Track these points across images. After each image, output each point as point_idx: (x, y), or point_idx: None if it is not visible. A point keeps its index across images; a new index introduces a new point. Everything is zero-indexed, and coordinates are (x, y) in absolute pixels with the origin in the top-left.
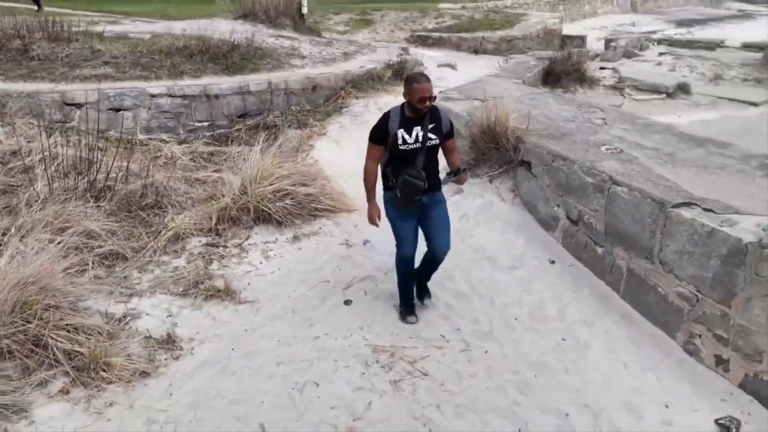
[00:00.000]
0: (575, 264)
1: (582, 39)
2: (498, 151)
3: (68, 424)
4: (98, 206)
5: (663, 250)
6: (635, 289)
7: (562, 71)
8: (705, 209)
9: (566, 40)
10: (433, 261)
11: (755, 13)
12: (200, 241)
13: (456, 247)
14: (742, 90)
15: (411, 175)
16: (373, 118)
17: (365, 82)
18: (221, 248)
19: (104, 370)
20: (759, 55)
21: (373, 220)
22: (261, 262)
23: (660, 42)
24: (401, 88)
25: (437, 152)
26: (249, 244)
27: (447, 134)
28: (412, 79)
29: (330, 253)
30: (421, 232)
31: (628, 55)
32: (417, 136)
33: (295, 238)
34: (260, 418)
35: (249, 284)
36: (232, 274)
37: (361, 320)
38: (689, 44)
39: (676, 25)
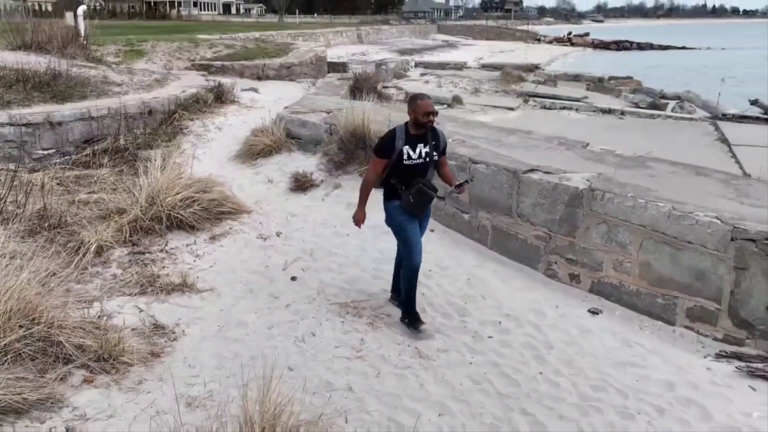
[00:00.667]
0: (447, 230)
1: (344, 65)
2: (364, 150)
3: (111, 402)
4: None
5: (519, 206)
6: (500, 239)
7: (364, 88)
8: (545, 172)
9: (331, 65)
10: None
11: (457, 43)
12: (123, 252)
13: (357, 229)
14: (498, 99)
15: (425, 185)
16: (217, 136)
17: (193, 105)
18: (147, 254)
19: (121, 357)
20: (496, 72)
21: (359, 222)
22: (195, 260)
23: (417, 65)
24: (225, 109)
25: (435, 166)
26: (171, 248)
27: (443, 150)
28: (416, 97)
29: (252, 246)
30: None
31: (398, 75)
32: (420, 152)
33: (213, 238)
34: (283, 363)
35: (198, 277)
36: (176, 272)
37: (314, 288)
38: (441, 66)
39: (399, 53)
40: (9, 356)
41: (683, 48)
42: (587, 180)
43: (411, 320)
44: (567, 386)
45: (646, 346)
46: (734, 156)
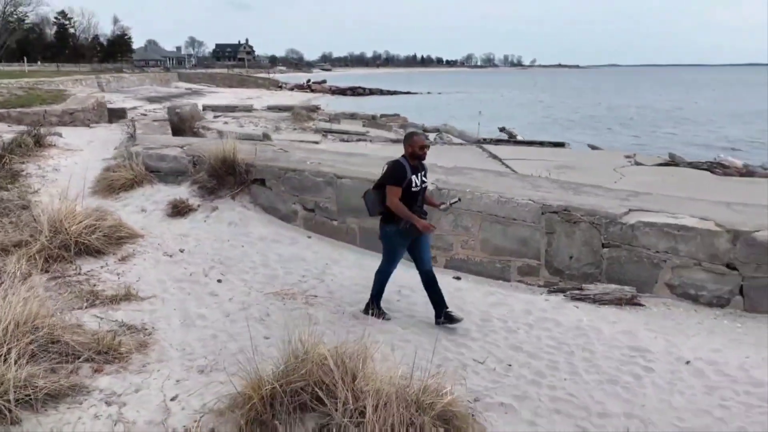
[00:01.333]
0: (320, 236)
1: (123, 110)
2: (233, 176)
3: (130, 382)
4: None
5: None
6: (368, 238)
7: (184, 128)
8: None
9: (111, 111)
10: (429, 277)
11: (202, 90)
12: (43, 278)
13: (248, 240)
14: (300, 134)
15: (421, 212)
16: (59, 177)
17: (16, 149)
18: (67, 278)
19: (119, 348)
20: (285, 113)
21: (428, 227)
22: (118, 277)
23: (205, 108)
24: (48, 152)
25: None
26: (87, 271)
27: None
28: (412, 134)
29: (164, 262)
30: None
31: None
32: (419, 180)
33: (122, 259)
34: (259, 335)
35: (134, 289)
36: (111, 287)
37: (242, 286)
38: (229, 109)
39: (148, 101)
40: (26, 356)
41: (408, 93)
42: (433, 183)
43: (377, 312)
44: (466, 322)
45: (503, 293)
46: (507, 166)
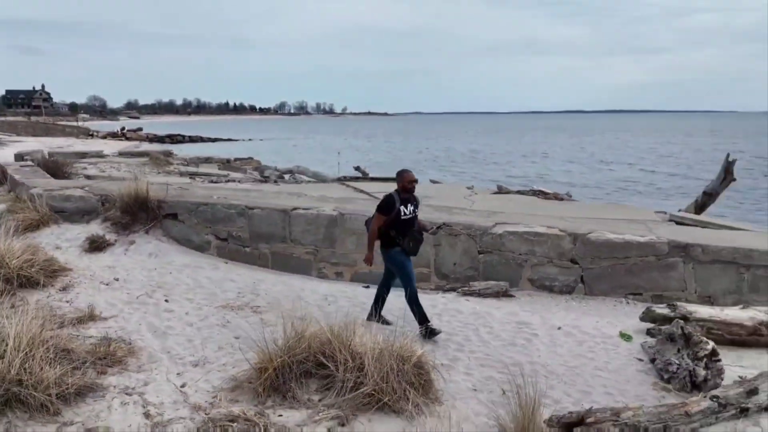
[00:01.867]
0: (235, 263)
1: None
2: (146, 212)
3: (138, 378)
4: None
5: (292, 234)
6: (280, 260)
7: (58, 172)
8: (305, 208)
9: None
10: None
11: (3, 139)
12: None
13: (173, 267)
14: (168, 178)
15: (417, 234)
16: None
17: None
18: (16, 306)
19: (114, 354)
20: (142, 158)
21: (370, 261)
22: (68, 303)
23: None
24: None
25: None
26: (37, 300)
27: (418, 208)
28: (403, 171)
29: (104, 289)
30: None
31: None
32: (409, 210)
33: (63, 288)
34: (243, 331)
35: (97, 311)
36: (69, 311)
37: (191, 303)
38: (81, 155)
39: None
40: (47, 362)
41: (230, 139)
42: (335, 209)
43: (429, 330)
44: (393, 317)
45: None
46: (376, 197)
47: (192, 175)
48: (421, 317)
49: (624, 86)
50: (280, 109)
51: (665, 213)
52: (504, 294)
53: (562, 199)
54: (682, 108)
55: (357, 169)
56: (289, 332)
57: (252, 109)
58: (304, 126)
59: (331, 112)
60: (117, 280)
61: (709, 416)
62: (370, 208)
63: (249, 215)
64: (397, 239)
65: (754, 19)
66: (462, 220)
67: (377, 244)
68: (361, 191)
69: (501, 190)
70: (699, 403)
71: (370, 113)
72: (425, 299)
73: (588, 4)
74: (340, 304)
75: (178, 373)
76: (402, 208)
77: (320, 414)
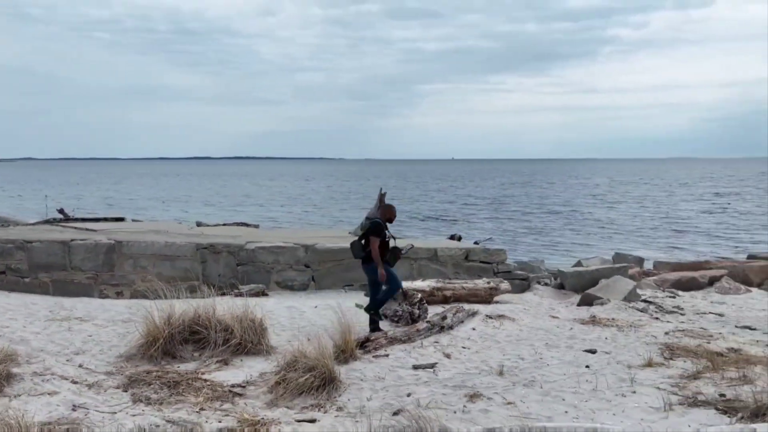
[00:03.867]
0: (16, 293)
1: None
2: None
3: (32, 367)
4: None
5: (72, 262)
6: (61, 287)
7: None
8: (82, 240)
9: None
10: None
11: None
12: None
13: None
14: None
15: (398, 251)
16: None
17: None
18: None
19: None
20: None
21: (384, 277)
22: None
23: None
24: None
25: None
26: None
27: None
28: (390, 205)
29: None
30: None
31: None
32: (389, 234)
33: None
34: None
35: None
36: None
37: (15, 320)
38: None
39: None
40: None
41: None
42: (109, 238)
43: (377, 316)
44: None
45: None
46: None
47: None
48: (377, 306)
49: (248, 134)
50: None
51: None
52: (263, 293)
53: (257, 226)
54: (302, 155)
55: (61, 211)
56: (158, 314)
57: None
58: None
59: None
60: None
61: (428, 331)
62: (138, 237)
63: (28, 248)
64: (385, 255)
65: (353, 79)
66: (221, 241)
67: (357, 261)
68: (86, 229)
69: (200, 224)
70: (422, 324)
71: None
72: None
73: (208, 55)
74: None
75: (67, 360)
76: (388, 233)
77: (207, 360)
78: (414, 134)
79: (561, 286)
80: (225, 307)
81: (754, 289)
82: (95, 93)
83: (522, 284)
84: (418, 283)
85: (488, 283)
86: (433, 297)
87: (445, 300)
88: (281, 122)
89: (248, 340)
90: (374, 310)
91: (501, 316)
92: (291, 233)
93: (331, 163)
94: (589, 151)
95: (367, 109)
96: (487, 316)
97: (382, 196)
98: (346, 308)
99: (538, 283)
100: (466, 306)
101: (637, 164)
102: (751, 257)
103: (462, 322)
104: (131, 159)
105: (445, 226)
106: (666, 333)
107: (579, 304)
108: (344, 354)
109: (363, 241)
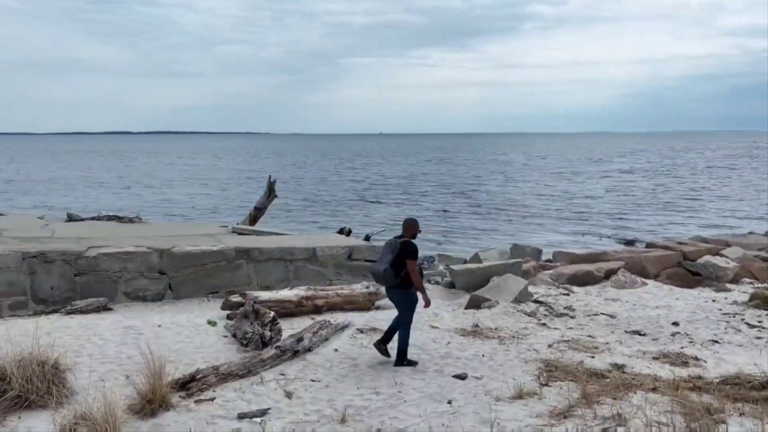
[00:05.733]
0: None
1: None
2: None
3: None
4: None
5: None
6: None
7: None
8: None
9: None
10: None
11: None
12: None
13: None
14: None
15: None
16: None
17: None
18: None
19: None
20: None
21: (429, 302)
22: None
23: None
24: None
25: None
26: None
27: None
28: (416, 221)
29: None
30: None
31: None
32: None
33: None
34: None
35: None
36: None
37: None
38: None
39: None
40: None
41: None
42: None
43: (410, 363)
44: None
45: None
46: None
47: None
48: (406, 348)
49: (170, 108)
50: None
51: (227, 226)
52: (104, 308)
53: (133, 221)
54: (226, 130)
55: None
56: None
57: None
58: None
59: None
60: None
61: (276, 359)
62: None
63: None
64: (409, 281)
65: (278, 53)
66: (56, 248)
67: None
68: None
69: (73, 218)
70: (269, 352)
71: None
72: (26, 324)
73: (125, 25)
74: None
75: None
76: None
77: None
78: (342, 108)
79: (452, 285)
80: (20, 333)
81: (651, 282)
82: (2, 66)
83: None
84: (285, 293)
85: (367, 287)
86: (301, 308)
87: (317, 310)
88: (205, 96)
89: (32, 391)
90: (405, 361)
91: (374, 330)
92: (153, 230)
93: (257, 138)
94: (511, 125)
95: (293, 83)
96: (358, 330)
97: (271, 185)
98: (195, 326)
99: (429, 281)
100: (340, 317)
101: (556, 139)
102: (649, 246)
103: (326, 340)
104: (46, 134)
105: (341, 213)
106: (549, 345)
107: (467, 307)
108: (151, 405)
109: (392, 266)
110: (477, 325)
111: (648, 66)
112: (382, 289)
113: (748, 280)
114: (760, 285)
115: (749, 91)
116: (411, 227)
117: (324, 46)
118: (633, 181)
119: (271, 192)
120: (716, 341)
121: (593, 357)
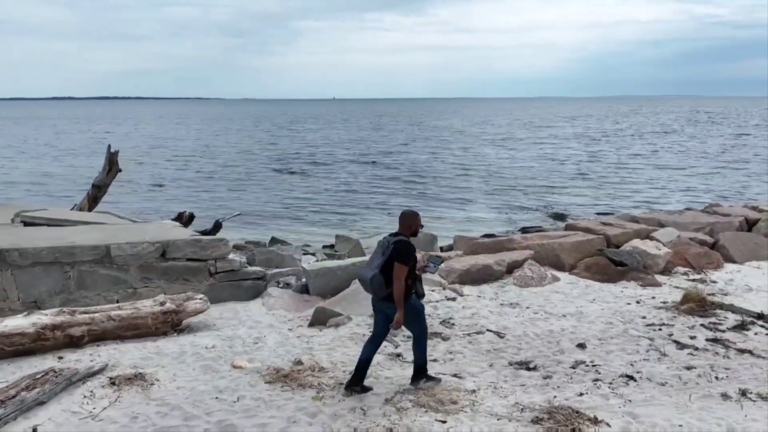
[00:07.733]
0: None
1: None
2: None
3: None
4: None
5: None
6: None
7: None
8: None
9: None
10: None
11: None
12: None
13: None
14: None
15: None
16: None
17: None
18: None
19: None
20: None
21: (401, 323)
22: None
23: None
24: None
25: None
26: None
27: None
28: (416, 213)
29: None
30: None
31: None
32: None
33: None
34: None
35: None
36: None
37: None
38: None
39: None
40: None
41: None
42: None
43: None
44: None
45: None
46: None
47: None
48: (424, 363)
49: (115, 72)
50: None
51: (26, 212)
52: None
53: None
54: (176, 95)
55: None
56: None
57: None
58: None
59: None
60: None
61: None
62: None
63: None
64: (413, 287)
65: (227, 14)
66: None
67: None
68: None
69: None
70: None
71: None
72: None
73: None
74: None
75: None
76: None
77: None
78: (295, 73)
79: (306, 289)
80: None
81: (564, 276)
82: None
83: (257, 286)
84: (14, 322)
85: (161, 304)
86: (44, 342)
87: (76, 343)
88: (151, 59)
89: None
90: (425, 377)
91: (133, 379)
92: None
93: (206, 104)
94: (463, 90)
95: (244, 46)
96: (110, 380)
97: (112, 156)
98: None
99: (277, 284)
100: (104, 353)
101: (505, 103)
102: (569, 228)
103: (43, 403)
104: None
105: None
106: (388, 400)
107: (311, 324)
108: None
109: (381, 272)
110: (300, 362)
111: (598, 30)
112: (190, 303)
113: (682, 269)
114: (695, 276)
115: (694, 56)
116: (409, 221)
117: (275, 8)
118: (570, 149)
119: (112, 166)
120: (631, 377)
121: (444, 422)
